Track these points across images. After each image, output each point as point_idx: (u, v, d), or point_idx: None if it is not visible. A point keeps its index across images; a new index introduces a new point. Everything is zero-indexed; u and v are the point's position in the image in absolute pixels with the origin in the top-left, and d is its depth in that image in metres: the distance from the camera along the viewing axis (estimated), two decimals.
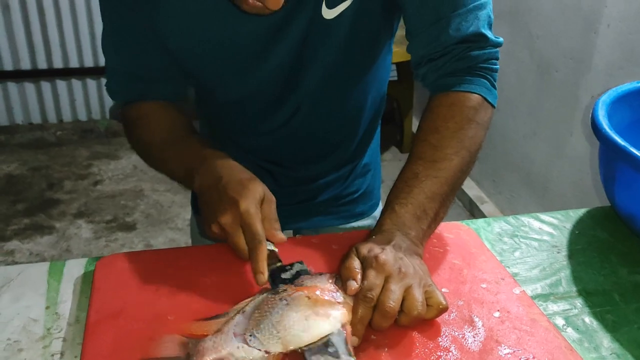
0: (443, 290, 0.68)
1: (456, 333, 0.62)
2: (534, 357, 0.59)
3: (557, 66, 2.04)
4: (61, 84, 3.18)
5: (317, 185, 0.97)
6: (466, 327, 0.63)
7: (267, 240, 0.65)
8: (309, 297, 0.60)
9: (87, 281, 0.70)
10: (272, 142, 0.91)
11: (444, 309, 0.62)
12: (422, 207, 0.69)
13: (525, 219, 0.87)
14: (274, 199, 0.69)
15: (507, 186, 2.44)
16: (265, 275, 0.63)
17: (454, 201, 2.79)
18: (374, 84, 0.89)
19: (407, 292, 0.60)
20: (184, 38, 0.78)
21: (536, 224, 0.86)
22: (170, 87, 0.85)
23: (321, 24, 0.75)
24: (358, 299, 0.59)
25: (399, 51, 1.38)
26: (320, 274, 0.65)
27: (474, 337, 0.62)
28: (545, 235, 0.83)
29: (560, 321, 0.67)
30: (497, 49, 0.77)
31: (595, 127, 0.80)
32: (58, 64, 3.12)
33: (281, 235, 0.67)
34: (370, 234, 0.69)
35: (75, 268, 0.72)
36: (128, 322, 0.61)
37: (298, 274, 0.65)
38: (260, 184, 0.69)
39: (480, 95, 0.75)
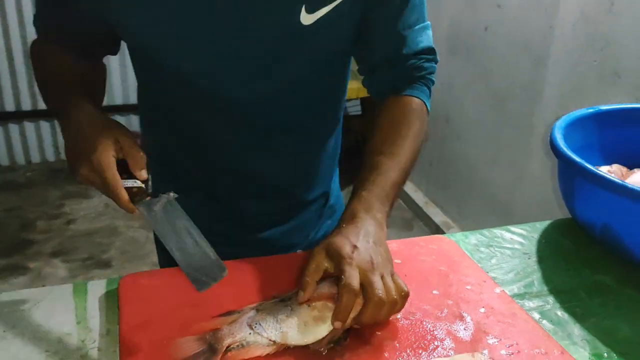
0: (434, 292, 0.77)
1: (449, 327, 0.71)
2: (517, 344, 0.68)
3: (512, 97, 2.21)
4: (29, 126, 3.20)
5: (281, 231, 0.99)
6: (457, 321, 0.72)
7: (134, 178, 0.67)
8: (308, 305, 0.68)
9: (111, 298, 0.76)
10: (233, 170, 0.92)
11: (406, 296, 0.67)
12: (385, 193, 0.77)
13: (497, 231, 0.97)
14: (130, 134, 0.70)
15: (472, 211, 2.57)
16: (133, 209, 0.66)
17: (421, 227, 2.89)
18: (336, 104, 0.95)
19: (382, 281, 0.66)
20: (144, 25, 0.77)
21: (508, 235, 0.96)
22: (90, 45, 0.86)
23: (298, 29, 0.77)
24: (341, 290, 0.63)
25: (362, 87, 1.48)
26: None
27: (464, 329, 0.71)
28: (516, 244, 0.94)
29: (536, 315, 0.77)
30: (437, 64, 0.89)
31: (554, 148, 0.92)
32: (27, 106, 3.14)
33: (144, 174, 0.68)
34: (340, 219, 0.74)
35: (97, 288, 0.78)
36: (157, 330, 0.67)
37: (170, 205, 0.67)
38: (113, 126, 0.70)
39: (424, 101, 0.86)
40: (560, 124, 0.99)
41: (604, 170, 0.99)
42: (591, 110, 1.07)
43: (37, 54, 0.88)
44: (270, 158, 0.91)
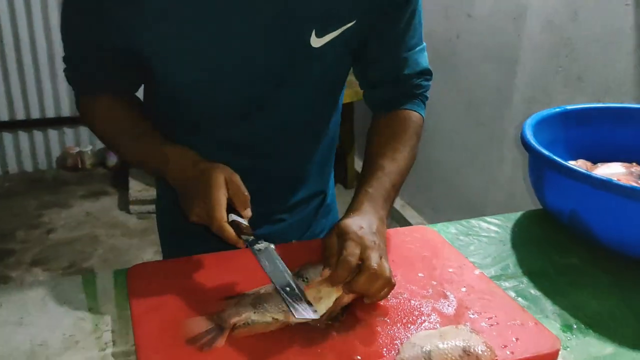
0: (419, 274, 0.84)
1: (434, 304, 0.78)
2: (496, 317, 0.75)
3: (483, 102, 2.31)
4: (7, 136, 3.19)
5: (279, 228, 1.05)
6: (442, 299, 0.79)
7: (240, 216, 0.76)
8: (308, 286, 0.74)
9: (119, 287, 0.80)
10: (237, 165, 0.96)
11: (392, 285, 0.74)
12: (387, 193, 0.85)
13: (474, 221, 1.05)
14: (237, 176, 0.76)
15: (447, 213, 2.66)
16: (241, 244, 0.74)
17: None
18: (332, 117, 1.02)
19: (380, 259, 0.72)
20: (163, 44, 0.80)
21: (484, 225, 1.04)
22: (127, 82, 0.90)
23: (308, 51, 0.84)
24: (339, 263, 0.70)
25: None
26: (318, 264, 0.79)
27: (448, 306, 0.77)
28: (492, 233, 1.02)
29: (511, 294, 0.84)
30: (431, 82, 0.99)
31: (525, 143, 1.00)
32: (4, 116, 3.14)
33: (248, 212, 0.76)
34: (347, 210, 0.81)
35: (105, 279, 0.83)
36: (167, 313, 0.73)
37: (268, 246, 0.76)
38: (220, 169, 0.76)
39: (421, 115, 0.97)
40: (530, 122, 1.07)
41: (570, 164, 1.07)
42: (558, 110, 1.15)
43: (90, 115, 0.91)
44: (273, 159, 0.97)
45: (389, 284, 0.73)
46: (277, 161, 0.98)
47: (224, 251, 0.86)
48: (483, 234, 1.01)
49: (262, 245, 0.75)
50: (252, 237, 0.75)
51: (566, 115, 1.16)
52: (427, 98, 0.99)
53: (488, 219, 1.06)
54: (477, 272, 0.86)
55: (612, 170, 1.10)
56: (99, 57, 0.85)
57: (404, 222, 2.92)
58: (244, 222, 0.76)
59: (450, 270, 0.86)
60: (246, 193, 0.76)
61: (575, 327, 0.78)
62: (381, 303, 0.76)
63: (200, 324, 0.71)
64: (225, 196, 0.75)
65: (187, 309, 0.74)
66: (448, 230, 1.02)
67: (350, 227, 0.75)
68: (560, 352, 0.72)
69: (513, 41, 2.09)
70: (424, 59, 0.96)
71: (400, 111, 0.95)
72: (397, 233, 0.96)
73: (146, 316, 0.72)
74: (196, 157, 0.81)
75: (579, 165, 1.10)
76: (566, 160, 1.11)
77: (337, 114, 1.04)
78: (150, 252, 2.65)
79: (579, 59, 1.82)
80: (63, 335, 0.71)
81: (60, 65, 3.17)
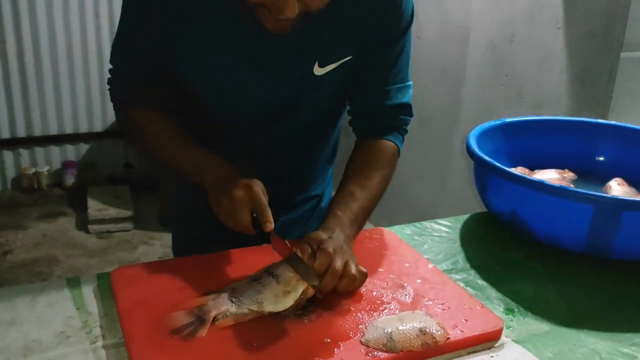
0: (379, 269, 0.93)
1: (393, 294, 0.87)
2: (447, 303, 0.85)
3: (434, 119, 2.45)
4: None
5: (278, 224, 1.16)
6: (399, 290, 0.88)
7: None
8: (277, 282, 0.82)
9: (103, 288, 0.86)
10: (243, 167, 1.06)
11: (366, 275, 0.86)
12: (355, 216, 0.95)
13: (427, 223, 1.16)
14: (260, 195, 0.85)
15: (401, 222, 2.78)
16: (272, 224, 0.82)
17: None
18: (334, 131, 1.14)
19: (345, 262, 0.83)
20: (196, 61, 0.93)
21: (436, 226, 1.15)
22: (168, 99, 1.00)
23: (312, 79, 0.96)
24: (318, 253, 0.81)
25: None
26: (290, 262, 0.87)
27: (405, 295, 0.87)
28: (443, 233, 1.12)
29: (461, 284, 0.94)
30: (411, 118, 1.08)
31: (470, 152, 1.12)
32: None
33: (267, 227, 0.84)
34: (317, 228, 0.91)
35: (88, 282, 0.88)
36: (151, 308, 0.79)
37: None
38: (246, 185, 0.85)
39: (397, 146, 1.05)
40: (473, 133, 1.19)
41: None
42: (498, 122, 1.28)
43: (134, 126, 0.99)
44: (279, 165, 1.07)
45: (354, 281, 0.83)
46: (283, 166, 1.09)
47: (200, 254, 0.94)
48: (435, 234, 1.11)
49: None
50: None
51: (506, 127, 1.29)
52: (406, 132, 1.07)
53: (439, 220, 1.17)
54: (430, 266, 0.96)
55: (548, 176, 1.23)
56: (146, 74, 0.96)
57: None
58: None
59: (407, 265, 0.96)
60: (268, 209, 0.83)
61: (516, 310, 0.89)
62: (348, 293, 0.85)
63: (183, 317, 0.78)
64: (249, 210, 0.84)
65: (169, 304, 0.80)
66: (404, 231, 1.12)
67: (321, 235, 0.85)
68: (504, 332, 0.82)
69: (458, 61, 2.25)
70: (407, 96, 1.05)
71: (378, 140, 1.03)
72: (358, 235, 1.05)
73: (132, 312, 0.78)
74: (230, 170, 0.90)
75: (518, 171, 1.22)
76: (507, 167, 1.23)
77: (338, 128, 1.15)
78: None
79: (518, 78, 1.99)
80: (55, 332, 0.76)
81: (15, 86, 3.16)
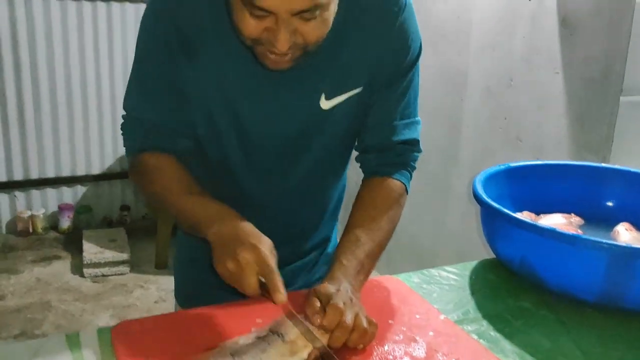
0: (389, 321, 0.90)
1: (406, 348, 0.84)
2: (463, 357, 0.82)
3: (431, 161, 2.45)
4: None
5: (284, 273, 1.13)
6: (412, 343, 0.85)
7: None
8: (283, 341, 0.79)
9: (103, 344, 0.83)
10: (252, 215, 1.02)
11: (376, 327, 0.82)
12: (362, 264, 0.91)
13: (435, 271, 1.13)
14: (269, 257, 0.79)
15: (400, 266, 2.75)
16: (283, 295, 0.75)
17: None
18: (343, 172, 1.12)
19: (355, 315, 0.80)
20: (209, 98, 0.93)
21: (444, 274, 1.12)
22: (184, 142, 0.97)
23: (318, 112, 0.95)
24: (328, 308, 0.78)
25: None
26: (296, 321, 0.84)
27: (419, 349, 0.84)
28: (452, 280, 1.10)
29: (474, 336, 0.91)
30: (420, 154, 1.06)
31: (477, 198, 1.11)
32: None
33: (278, 298, 0.77)
34: (323, 280, 0.87)
35: (88, 337, 0.85)
36: None
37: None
38: (256, 246, 0.79)
39: (404, 185, 1.03)
40: (479, 178, 1.18)
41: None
42: (503, 167, 1.28)
43: (149, 169, 0.95)
44: (285, 212, 1.05)
45: (366, 334, 0.80)
46: (292, 213, 1.07)
47: (203, 307, 0.91)
48: (444, 282, 1.09)
49: None
50: None
51: (510, 172, 1.29)
52: (414, 168, 1.05)
53: (447, 268, 1.14)
54: (442, 317, 0.94)
55: (554, 221, 1.21)
56: (161, 118, 0.95)
57: None
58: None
59: (418, 316, 0.93)
60: (278, 278, 0.77)
61: None
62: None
63: None
64: (256, 275, 0.77)
65: None
66: (411, 279, 1.09)
67: (329, 289, 0.83)
68: None
69: (456, 105, 2.26)
70: (415, 131, 1.03)
71: (384, 179, 1.01)
72: (366, 283, 1.03)
73: None
74: (237, 225, 0.83)
75: (524, 216, 1.21)
76: (512, 212, 1.22)
77: (343, 174, 1.13)
78: (105, 317, 2.59)
79: (516, 121, 2.00)
80: None
81: (13, 130, 3.16)
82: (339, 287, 0.85)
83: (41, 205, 3.31)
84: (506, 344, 0.90)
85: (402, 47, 0.96)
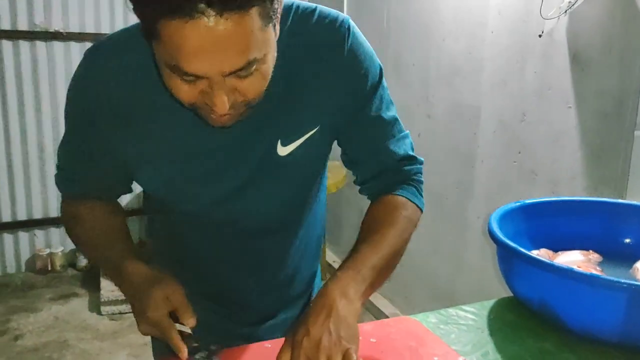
0: None
1: None
2: None
3: (446, 195, 2.45)
4: None
5: (270, 326, 1.09)
6: None
7: (182, 324, 0.82)
8: None
9: None
10: (224, 268, 1.04)
11: None
12: (362, 274, 0.85)
13: (452, 310, 1.13)
14: (178, 288, 0.83)
15: (418, 301, 2.73)
16: (184, 353, 0.78)
17: (372, 319, 2.98)
18: (318, 207, 1.10)
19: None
20: (150, 160, 0.91)
21: (462, 313, 1.12)
22: (114, 188, 1.00)
23: (275, 159, 0.91)
24: None
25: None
26: None
27: None
28: (470, 320, 1.09)
29: None
30: (421, 165, 1.02)
31: (493, 236, 1.11)
32: None
33: (192, 320, 0.82)
34: (314, 297, 0.83)
35: None
36: None
37: (210, 354, 0.83)
38: (161, 284, 0.83)
39: (409, 199, 0.98)
40: (494, 216, 1.18)
41: (534, 254, 1.18)
42: (518, 204, 1.27)
43: (70, 214, 0.99)
44: (260, 255, 1.04)
45: None
46: (264, 255, 1.04)
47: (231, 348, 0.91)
48: (462, 322, 1.08)
49: (202, 354, 0.82)
50: (194, 345, 0.82)
51: (526, 209, 1.28)
52: (419, 182, 1.01)
53: (465, 307, 1.14)
54: (460, 359, 0.93)
55: (572, 258, 1.21)
56: (90, 167, 0.96)
57: (376, 311, 2.96)
58: (187, 330, 0.83)
59: (436, 359, 0.92)
60: (188, 306, 0.82)
61: None
62: None
63: None
64: (166, 310, 0.81)
65: None
66: (429, 319, 1.09)
67: (297, 336, 0.77)
68: None
69: (470, 139, 2.27)
70: (404, 146, 0.99)
71: (387, 197, 0.98)
72: (382, 325, 1.03)
73: None
74: (149, 273, 0.86)
75: (541, 254, 1.20)
76: (529, 250, 1.21)
77: (319, 207, 1.10)
78: (122, 356, 2.59)
79: (531, 155, 2.00)
80: None
81: (34, 169, 3.22)
82: (318, 316, 0.78)
83: (60, 243, 3.35)
84: None
85: (358, 74, 0.92)
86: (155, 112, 0.87)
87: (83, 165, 0.96)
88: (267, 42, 0.72)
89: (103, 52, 0.88)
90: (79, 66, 0.89)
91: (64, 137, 0.96)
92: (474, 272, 2.32)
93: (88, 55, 0.89)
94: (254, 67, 0.72)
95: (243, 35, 0.67)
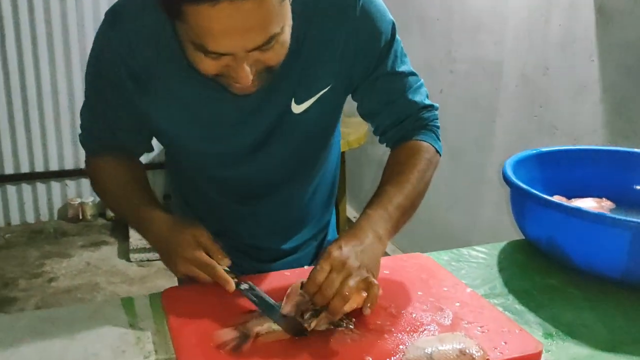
0: (418, 292, 0.95)
1: (433, 316, 0.89)
2: (486, 325, 0.87)
3: (465, 151, 2.47)
4: (11, 189, 3.29)
5: (282, 265, 1.14)
6: (439, 312, 0.90)
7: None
8: None
9: (155, 308, 0.91)
10: (242, 210, 1.11)
11: (377, 287, 0.83)
12: (389, 213, 0.92)
13: (464, 250, 1.18)
14: (205, 231, 0.90)
15: (434, 250, 2.78)
16: (231, 284, 0.86)
17: None
18: (332, 158, 1.16)
19: (345, 280, 0.80)
20: (170, 120, 0.96)
21: (473, 253, 1.17)
22: (136, 147, 1.05)
23: (290, 117, 0.96)
24: (307, 279, 0.82)
25: None
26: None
27: (445, 317, 0.89)
28: (480, 259, 1.14)
29: (499, 308, 0.96)
30: (437, 111, 1.07)
31: (506, 179, 1.14)
32: (9, 169, 3.25)
33: (227, 260, 0.89)
34: (348, 229, 0.90)
35: (141, 302, 0.93)
36: (200, 325, 0.83)
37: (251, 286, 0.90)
38: (189, 229, 0.90)
39: (429, 143, 1.03)
40: (509, 162, 1.22)
41: None
42: (534, 152, 1.30)
43: (94, 169, 1.05)
44: (272, 203, 1.10)
45: (342, 301, 0.80)
46: (277, 205, 1.11)
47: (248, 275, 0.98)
48: (472, 260, 1.13)
49: (246, 285, 0.89)
50: (235, 280, 0.89)
51: (542, 157, 1.31)
52: (437, 127, 1.05)
53: (477, 247, 1.19)
54: (468, 290, 0.98)
55: (585, 205, 1.24)
56: (112, 126, 1.00)
57: None
58: (225, 267, 0.90)
59: (445, 289, 0.98)
60: (217, 246, 0.89)
61: (555, 334, 0.90)
62: (389, 314, 0.88)
63: (229, 334, 0.82)
64: (201, 249, 0.88)
65: (216, 321, 0.84)
66: (441, 257, 1.14)
67: (331, 248, 0.84)
68: (543, 355, 0.83)
69: (491, 94, 2.28)
70: (420, 96, 1.03)
71: (407, 142, 1.02)
72: (396, 259, 1.09)
73: (182, 329, 0.83)
74: (174, 220, 0.94)
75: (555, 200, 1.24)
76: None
77: (330, 161, 1.16)
78: None
79: (552, 109, 2.00)
80: (111, 347, 0.81)
81: (65, 121, 3.32)
82: (350, 241, 0.85)
83: (90, 193, 3.48)
84: (530, 316, 0.94)
85: (371, 34, 0.95)
86: (176, 72, 0.91)
87: (105, 124, 0.99)
88: (285, 15, 0.78)
89: (123, 13, 0.92)
90: (100, 28, 0.94)
91: (85, 98, 1.01)
92: (490, 225, 2.35)
93: (109, 17, 0.93)
94: (274, 40, 0.77)
95: (265, 13, 0.72)
